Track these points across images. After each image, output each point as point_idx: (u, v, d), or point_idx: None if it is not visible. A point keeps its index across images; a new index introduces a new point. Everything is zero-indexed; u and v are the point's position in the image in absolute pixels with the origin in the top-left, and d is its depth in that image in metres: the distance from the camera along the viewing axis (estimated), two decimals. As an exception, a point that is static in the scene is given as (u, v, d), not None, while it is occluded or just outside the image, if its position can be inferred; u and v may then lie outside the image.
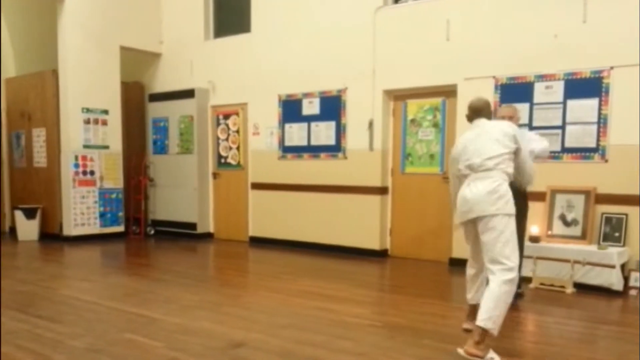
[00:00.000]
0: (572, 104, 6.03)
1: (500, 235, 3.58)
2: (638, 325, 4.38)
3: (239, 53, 8.84)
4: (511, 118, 4.87)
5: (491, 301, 3.48)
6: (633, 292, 5.42)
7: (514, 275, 3.52)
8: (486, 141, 3.80)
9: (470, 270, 4.10)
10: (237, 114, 9.05)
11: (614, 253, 5.40)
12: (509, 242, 3.58)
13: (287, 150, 8.36)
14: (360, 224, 7.64)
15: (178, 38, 9.65)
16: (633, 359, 3.62)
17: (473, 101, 4.07)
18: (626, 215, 5.68)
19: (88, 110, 8.90)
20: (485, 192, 3.64)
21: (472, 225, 3.79)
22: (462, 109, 6.69)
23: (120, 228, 9.44)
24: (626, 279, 5.52)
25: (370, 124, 7.48)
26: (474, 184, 3.73)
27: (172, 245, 8.74)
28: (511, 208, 3.64)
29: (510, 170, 3.76)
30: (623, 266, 5.49)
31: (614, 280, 5.34)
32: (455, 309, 4.78)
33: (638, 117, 5.62)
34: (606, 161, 5.84)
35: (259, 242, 8.74)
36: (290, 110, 8.31)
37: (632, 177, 5.65)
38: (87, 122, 8.91)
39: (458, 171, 3.95)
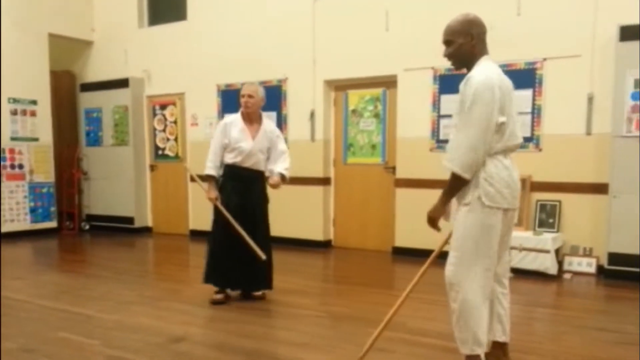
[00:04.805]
0: (507, 94, 6.16)
1: None
2: (571, 308, 4.55)
3: (175, 41, 8.60)
4: (251, 97, 4.59)
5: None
6: (567, 276, 5.63)
7: None
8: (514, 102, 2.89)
9: (485, 294, 2.88)
10: (174, 104, 8.82)
11: (548, 239, 5.58)
12: None
13: (227, 142, 8.19)
14: (303, 215, 7.60)
15: (111, 25, 9.29)
16: (566, 340, 3.75)
17: (474, 19, 2.95)
18: (559, 202, 5.88)
19: (15, 100, 8.46)
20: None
21: (504, 219, 2.88)
22: (402, 100, 6.79)
23: (53, 224, 9.05)
24: (560, 263, 5.74)
25: (312, 115, 7.44)
26: (513, 162, 2.91)
27: (108, 241, 8.44)
28: None
29: None
30: (557, 251, 5.69)
31: (548, 264, 5.52)
32: (399, 298, 4.81)
33: (569, 107, 5.82)
34: (540, 150, 6.02)
35: (199, 236, 8.54)
36: (230, 100, 8.13)
37: (565, 166, 5.86)
38: (14, 113, 8.48)
39: (499, 128, 2.76)
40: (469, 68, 2.91)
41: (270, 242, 4.78)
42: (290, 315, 4.35)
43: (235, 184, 4.64)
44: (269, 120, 4.90)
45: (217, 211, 4.65)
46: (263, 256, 4.48)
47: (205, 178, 4.71)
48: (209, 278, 4.67)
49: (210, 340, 3.73)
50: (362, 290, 5.17)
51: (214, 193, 4.64)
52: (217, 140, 4.68)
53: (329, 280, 6.11)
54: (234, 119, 4.68)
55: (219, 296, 4.66)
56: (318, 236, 7.55)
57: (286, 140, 7.58)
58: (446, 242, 3.06)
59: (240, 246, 4.51)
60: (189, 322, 4.15)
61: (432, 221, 2.91)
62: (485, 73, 2.77)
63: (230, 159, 4.62)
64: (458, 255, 2.83)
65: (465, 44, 2.89)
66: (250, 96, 4.57)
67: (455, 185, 2.79)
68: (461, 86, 2.82)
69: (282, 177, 4.66)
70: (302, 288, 5.29)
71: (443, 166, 2.80)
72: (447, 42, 2.95)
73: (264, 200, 4.79)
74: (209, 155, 4.70)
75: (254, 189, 4.67)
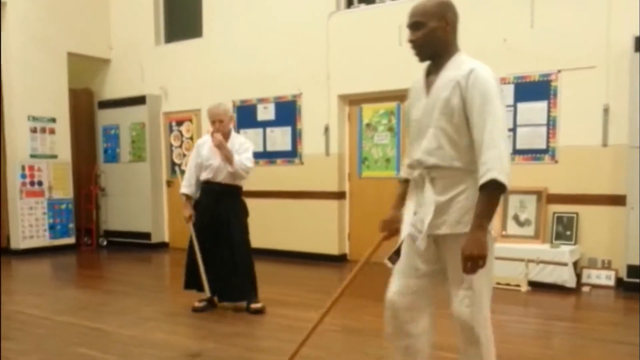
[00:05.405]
0: (522, 106, 6.16)
1: None
2: (590, 321, 4.49)
3: (191, 58, 8.71)
4: (222, 122, 4.78)
5: None
6: (585, 289, 5.56)
7: None
8: None
9: None
10: (190, 120, 8.91)
11: (566, 251, 5.52)
12: None
13: (243, 157, 8.25)
14: (318, 229, 7.61)
15: (128, 43, 9.44)
16: (585, 353, 3.70)
17: (449, 2, 2.44)
18: (577, 214, 5.83)
19: (34, 118, 8.61)
20: None
21: None
22: (416, 113, 6.76)
23: (71, 240, 9.13)
24: (578, 276, 5.67)
25: (326, 129, 7.47)
26: None
27: (126, 256, 8.51)
28: None
29: None
30: (575, 264, 5.63)
31: (566, 277, 5.46)
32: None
33: (585, 119, 5.79)
34: (556, 162, 5.98)
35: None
36: (245, 115, 8.22)
37: (581, 177, 5.81)
38: (34, 130, 8.62)
39: None
40: (436, 60, 2.46)
41: (250, 255, 4.94)
42: (304, 329, 4.31)
43: (209, 199, 4.88)
44: (238, 135, 5.15)
45: (194, 226, 4.91)
46: (208, 293, 4.81)
47: (185, 198, 4.98)
48: (188, 285, 5.03)
49: (225, 355, 3.73)
50: (377, 305, 5.10)
51: (188, 212, 4.89)
52: (192, 160, 4.99)
53: (343, 294, 6.08)
54: (205, 140, 4.97)
55: (200, 304, 4.93)
56: (333, 250, 7.55)
57: (301, 154, 7.73)
58: (378, 246, 2.83)
59: (215, 256, 4.81)
60: (204, 337, 4.16)
61: (480, 261, 2.23)
62: (484, 66, 2.33)
63: (203, 176, 4.89)
64: (472, 294, 2.40)
65: (438, 28, 2.37)
66: (220, 121, 4.80)
67: (497, 204, 2.30)
68: (461, 81, 2.30)
69: (230, 155, 4.71)
70: (317, 302, 5.24)
71: (486, 180, 2.30)
72: (416, 24, 2.40)
73: (240, 212, 4.95)
74: (185, 175, 5.00)
75: (226, 203, 4.87)
